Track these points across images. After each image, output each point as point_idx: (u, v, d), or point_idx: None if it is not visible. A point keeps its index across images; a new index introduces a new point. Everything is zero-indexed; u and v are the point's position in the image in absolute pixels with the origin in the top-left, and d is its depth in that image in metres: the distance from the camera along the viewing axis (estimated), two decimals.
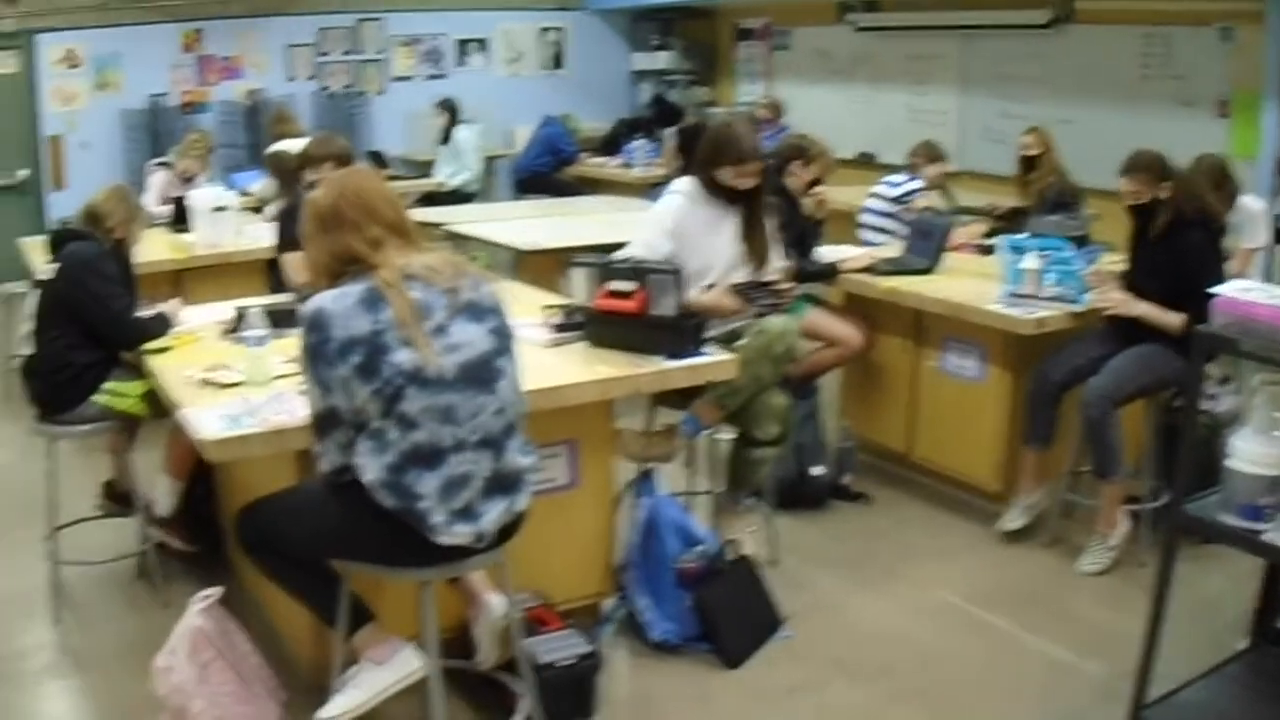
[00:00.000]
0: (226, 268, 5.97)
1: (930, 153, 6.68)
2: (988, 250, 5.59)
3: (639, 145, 9.52)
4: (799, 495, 4.94)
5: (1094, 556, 4.45)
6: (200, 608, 3.15)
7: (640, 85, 11.92)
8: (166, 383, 3.54)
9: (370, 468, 2.71)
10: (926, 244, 5.33)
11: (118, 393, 3.96)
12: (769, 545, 4.47)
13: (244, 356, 3.45)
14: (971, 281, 5.02)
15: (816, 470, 5.01)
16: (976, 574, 4.44)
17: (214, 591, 3.21)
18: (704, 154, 4.23)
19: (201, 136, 7.51)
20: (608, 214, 7.57)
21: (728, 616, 3.85)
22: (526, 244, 6.23)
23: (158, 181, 7.10)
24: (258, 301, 4.43)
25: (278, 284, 6.26)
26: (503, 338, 2.84)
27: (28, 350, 4.00)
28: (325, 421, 2.77)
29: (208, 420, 3.09)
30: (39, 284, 4.03)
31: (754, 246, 4.26)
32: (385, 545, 2.81)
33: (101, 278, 3.92)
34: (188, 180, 7.17)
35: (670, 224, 4.18)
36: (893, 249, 5.67)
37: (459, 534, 2.77)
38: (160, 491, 4.16)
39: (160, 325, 4.03)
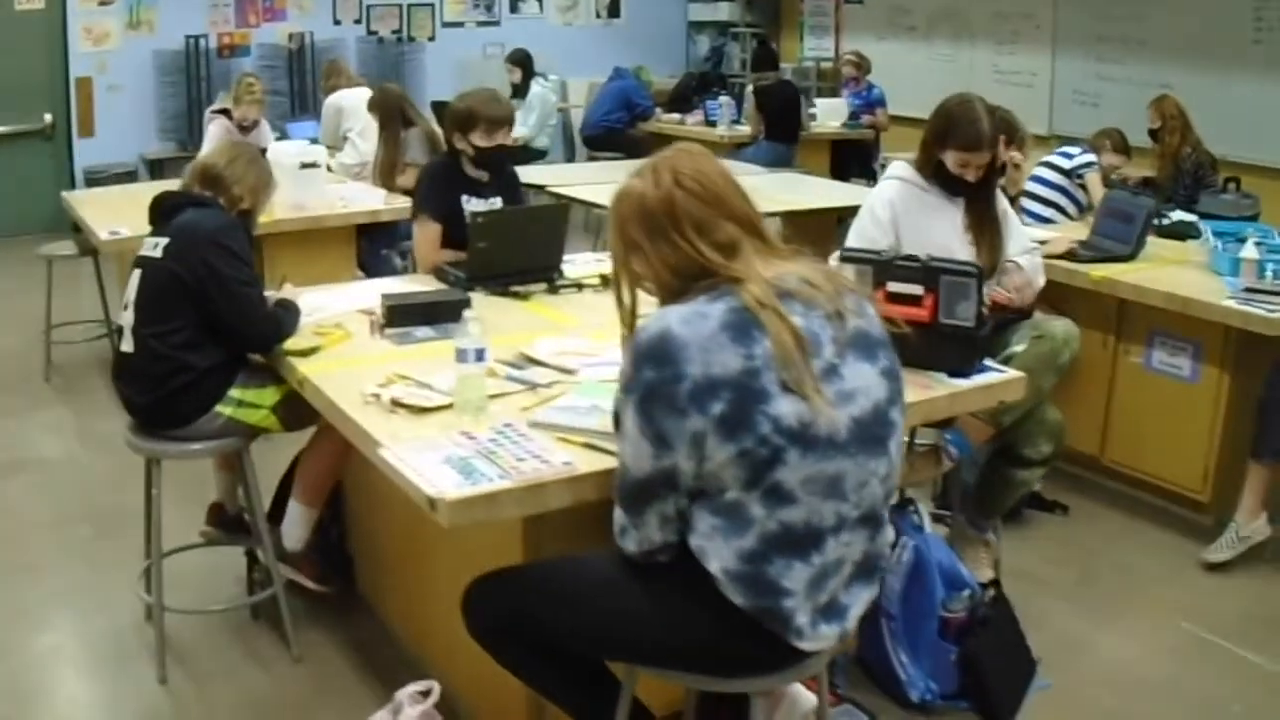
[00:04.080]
0: (313, 234, 5.02)
1: (1119, 143, 5.80)
2: (1163, 232, 4.83)
3: (724, 102, 8.51)
4: None
5: None
6: (418, 711, 2.24)
7: (698, 37, 10.90)
8: (336, 402, 2.60)
9: (719, 553, 1.89)
10: (1126, 227, 4.50)
11: (247, 403, 3.02)
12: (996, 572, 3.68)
13: (454, 374, 2.50)
14: (1170, 270, 4.28)
15: None
16: (1213, 599, 3.76)
17: (429, 688, 2.30)
18: (932, 129, 3.46)
19: (256, 79, 6.48)
20: None
21: (995, 671, 3.12)
22: None
23: (216, 130, 6.09)
24: (401, 288, 3.50)
25: (369, 254, 5.42)
26: (895, 380, 2.01)
27: (125, 347, 3.03)
28: (652, 487, 1.91)
29: (434, 468, 2.16)
30: (141, 263, 3.05)
31: (985, 240, 3.49)
32: (717, 651, 1.98)
33: (232, 257, 2.97)
34: (246, 129, 6.17)
35: (885, 214, 3.46)
36: (1068, 228, 4.85)
37: (824, 637, 1.98)
38: (289, 521, 3.23)
39: (294, 318, 3.09)
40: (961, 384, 2.85)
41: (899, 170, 3.52)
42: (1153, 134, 6.27)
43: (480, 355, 2.41)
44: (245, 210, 3.16)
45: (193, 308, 2.95)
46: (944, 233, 3.41)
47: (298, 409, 3.00)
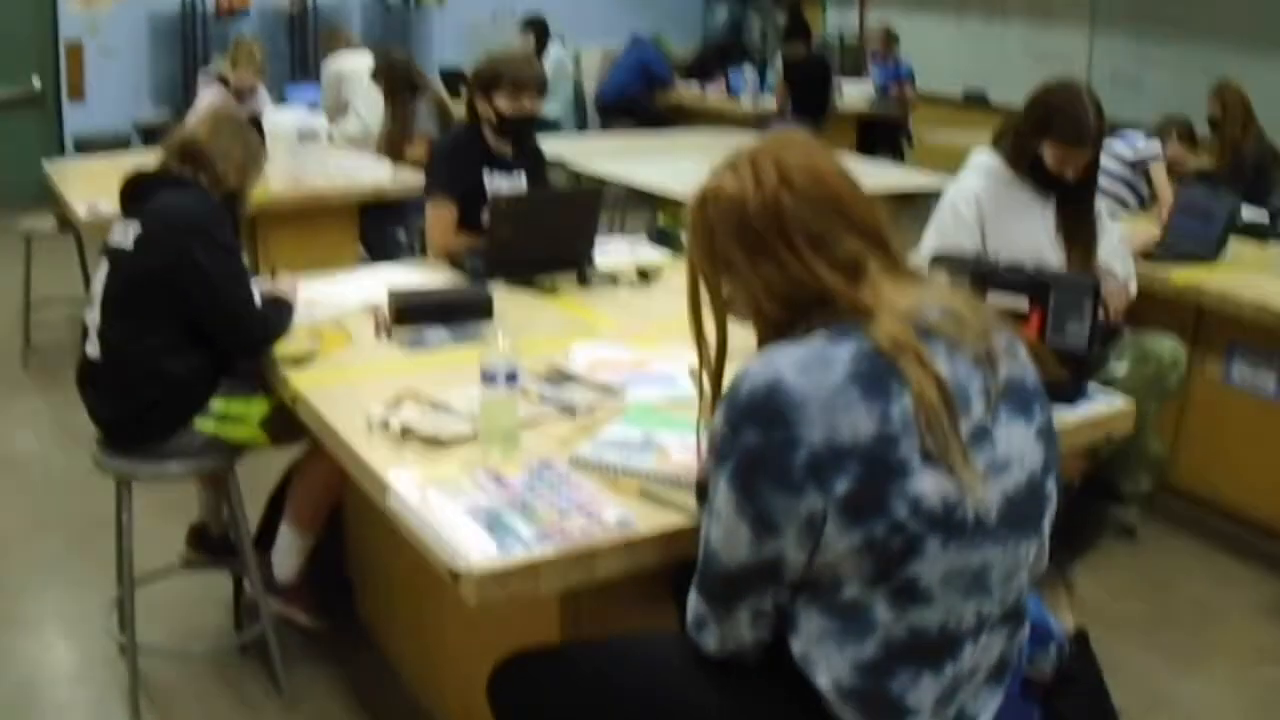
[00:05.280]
0: (312, 211, 4.56)
1: (1186, 133, 5.30)
2: (1235, 232, 4.35)
3: (749, 74, 8.02)
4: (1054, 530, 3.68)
5: None
6: None
7: (716, 5, 10.35)
8: (336, 429, 2.14)
9: (829, 663, 1.44)
10: (1206, 227, 4.05)
11: (231, 416, 2.57)
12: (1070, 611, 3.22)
13: (476, 398, 2.04)
14: (1254, 275, 3.82)
15: None
16: None
17: None
18: (1030, 118, 3.01)
19: (255, 42, 5.98)
20: None
21: None
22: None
23: (211, 97, 5.59)
24: (411, 279, 3.03)
25: (374, 232, 4.98)
26: (1051, 442, 1.54)
27: (91, 352, 2.57)
28: (747, 580, 1.46)
29: (456, 525, 1.71)
30: (110, 254, 2.58)
31: (1078, 245, 3.08)
32: None
33: (215, 247, 2.51)
34: (242, 95, 5.68)
35: (971, 212, 3.04)
36: (1134, 223, 4.40)
37: None
38: (281, 550, 2.78)
39: (286, 316, 2.63)
40: (1066, 416, 2.39)
41: (984, 161, 3.09)
42: (1212, 123, 5.79)
43: (512, 378, 1.95)
44: (231, 191, 2.69)
45: (169, 306, 2.49)
46: (1033, 234, 3.00)
47: (290, 422, 2.55)
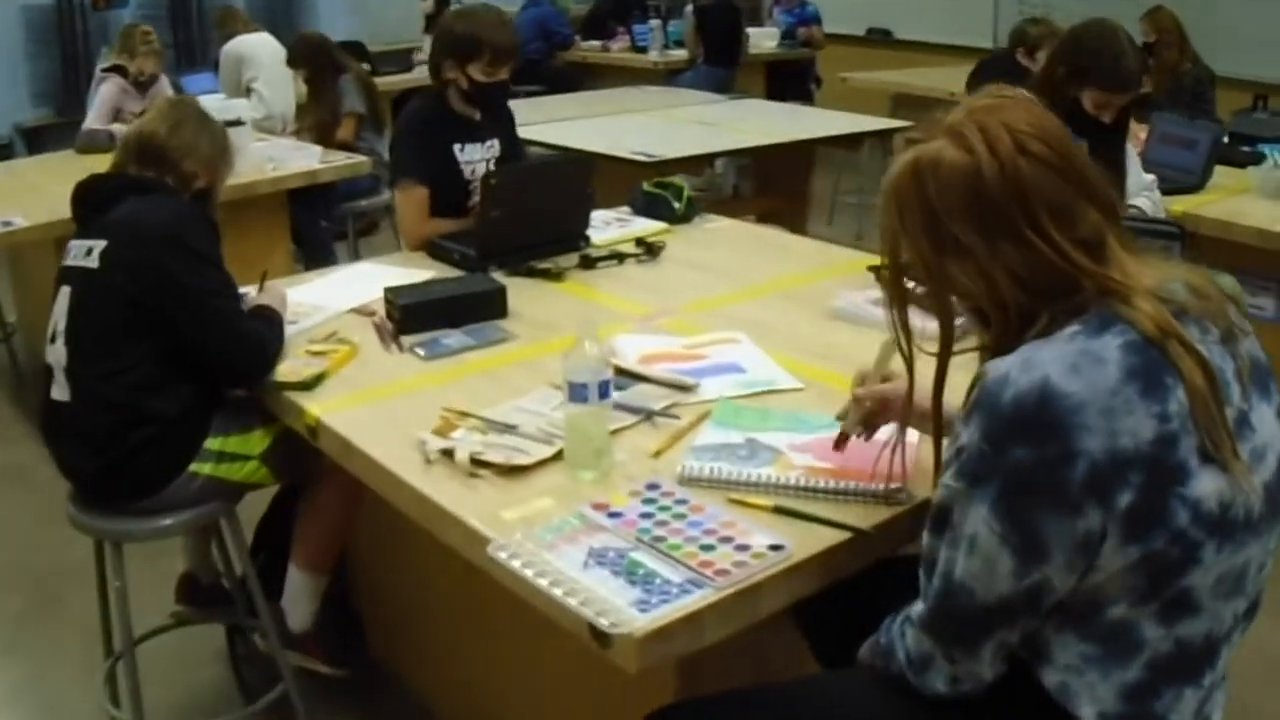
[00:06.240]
0: (241, 204, 4.10)
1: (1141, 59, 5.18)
2: None
3: (655, 25, 7.68)
4: None
5: None
6: None
7: None
8: (388, 468, 1.78)
9: (1093, 693, 1.24)
10: (1189, 155, 3.90)
11: (229, 454, 2.19)
12: None
13: (562, 417, 1.72)
14: (1241, 200, 3.69)
15: None
16: None
17: None
18: (1067, 65, 2.86)
19: (150, 29, 5.44)
20: (669, 109, 5.80)
21: None
22: (636, 153, 4.45)
23: (109, 92, 5.06)
24: (399, 275, 2.67)
25: (305, 223, 4.58)
26: None
27: (59, 395, 2.16)
28: (1005, 613, 1.23)
29: (584, 576, 1.39)
30: (70, 277, 2.17)
31: (1112, 186, 2.83)
32: None
33: (195, 258, 2.13)
34: (143, 85, 5.16)
35: None
36: None
37: None
38: (292, 596, 2.41)
39: (279, 332, 2.26)
40: None
41: None
42: (1148, 48, 5.67)
43: (604, 390, 1.63)
44: (201, 190, 2.30)
45: (149, 333, 2.10)
46: None
47: (295, 453, 2.21)
